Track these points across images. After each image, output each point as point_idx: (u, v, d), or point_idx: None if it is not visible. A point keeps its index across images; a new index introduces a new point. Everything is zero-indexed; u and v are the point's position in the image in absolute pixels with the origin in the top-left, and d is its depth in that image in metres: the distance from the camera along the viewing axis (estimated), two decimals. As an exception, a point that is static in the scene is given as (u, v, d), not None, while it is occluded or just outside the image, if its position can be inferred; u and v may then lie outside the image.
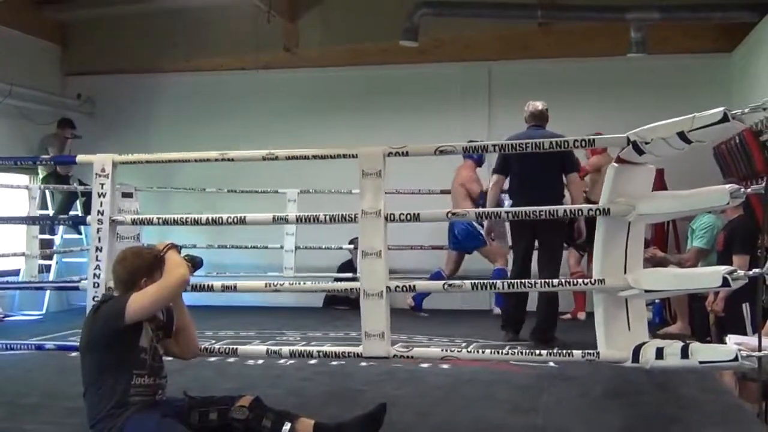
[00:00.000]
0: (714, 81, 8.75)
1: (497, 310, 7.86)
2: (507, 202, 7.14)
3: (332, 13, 9.45)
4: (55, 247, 9.19)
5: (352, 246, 9.04)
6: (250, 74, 9.96)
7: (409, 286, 3.91)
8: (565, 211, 4.15)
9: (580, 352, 3.72)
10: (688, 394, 4.67)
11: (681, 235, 8.29)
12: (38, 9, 9.75)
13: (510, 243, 7.04)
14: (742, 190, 3.46)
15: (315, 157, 4.17)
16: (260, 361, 5.58)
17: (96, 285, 4.22)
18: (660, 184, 6.23)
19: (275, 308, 8.68)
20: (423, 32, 8.53)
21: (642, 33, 8.14)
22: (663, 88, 8.87)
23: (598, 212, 3.73)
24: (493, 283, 4.11)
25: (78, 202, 9.24)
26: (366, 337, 3.89)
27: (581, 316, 7.77)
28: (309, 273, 8.84)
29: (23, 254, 8.55)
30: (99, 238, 4.33)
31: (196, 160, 4.46)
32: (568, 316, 7.74)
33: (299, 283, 4.46)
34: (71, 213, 9.18)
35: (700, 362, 3.46)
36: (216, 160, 4.31)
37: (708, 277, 3.62)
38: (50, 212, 9.15)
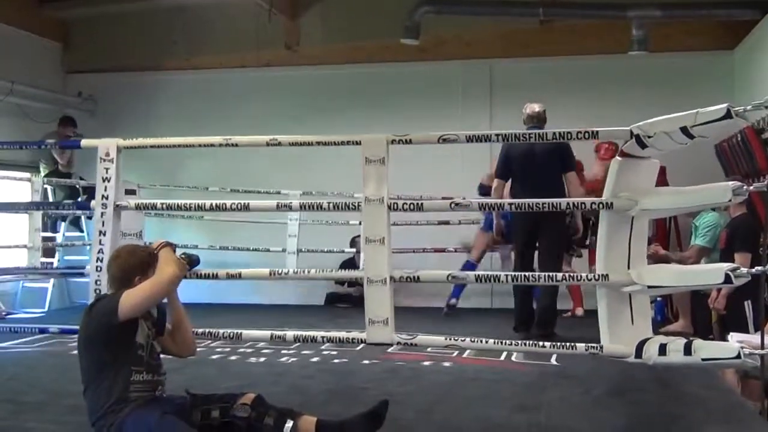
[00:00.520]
0: (716, 79, 8.76)
1: (453, 301, 8.02)
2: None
3: (333, 10, 9.45)
4: (56, 243, 9.18)
5: (354, 250, 9.06)
6: (251, 72, 9.96)
7: (414, 276, 3.89)
8: (568, 204, 4.14)
9: (583, 345, 3.72)
10: (690, 391, 4.67)
11: (683, 233, 8.29)
12: (39, 7, 9.75)
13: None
14: (745, 187, 3.46)
15: (318, 143, 4.16)
16: (262, 359, 5.59)
17: (99, 269, 4.21)
18: (662, 180, 6.23)
19: (277, 306, 8.68)
20: (424, 30, 8.53)
21: (643, 31, 8.13)
22: (664, 86, 8.86)
23: (601, 206, 3.73)
24: (496, 276, 4.09)
25: (80, 199, 9.23)
26: (370, 324, 3.88)
27: (579, 312, 7.81)
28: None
29: (25, 246, 8.54)
30: (103, 222, 4.31)
31: (200, 145, 4.45)
32: (569, 314, 7.76)
33: (303, 271, 4.43)
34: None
35: (703, 359, 3.46)
36: (220, 145, 4.30)
37: (710, 273, 3.62)
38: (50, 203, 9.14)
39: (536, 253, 6.74)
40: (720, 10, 8.10)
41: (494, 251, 8.38)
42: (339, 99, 9.78)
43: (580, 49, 9.11)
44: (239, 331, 4.27)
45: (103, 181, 4.34)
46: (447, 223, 8.65)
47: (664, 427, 4.01)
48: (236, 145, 4.34)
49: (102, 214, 4.32)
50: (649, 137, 3.53)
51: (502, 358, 5.57)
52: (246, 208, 4.24)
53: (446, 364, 5.46)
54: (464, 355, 5.58)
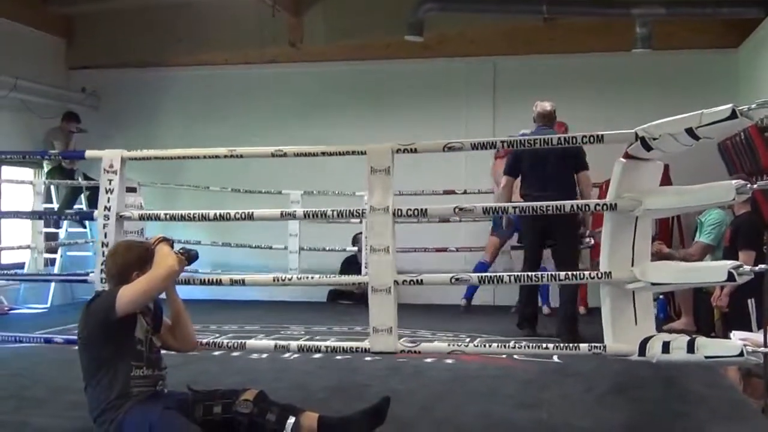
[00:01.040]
0: (720, 77, 8.74)
1: (463, 301, 8.01)
2: None
3: (337, 7, 9.43)
4: (59, 241, 9.20)
5: (356, 248, 9.06)
6: (255, 69, 9.96)
7: (417, 279, 3.90)
8: (572, 206, 4.14)
9: (586, 345, 3.73)
10: (693, 389, 4.67)
11: (686, 231, 8.29)
12: (43, 3, 9.75)
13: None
14: (748, 186, 3.46)
15: (324, 153, 4.15)
16: (265, 355, 5.59)
17: (103, 280, 4.22)
18: (665, 179, 6.23)
19: (279, 303, 8.68)
20: (428, 27, 8.51)
21: (647, 28, 8.11)
22: (668, 84, 8.85)
23: (605, 207, 3.73)
24: (500, 277, 4.09)
25: (82, 195, 9.26)
26: (373, 332, 3.90)
27: (581, 310, 7.83)
28: (313, 273, 8.83)
29: (29, 247, 8.56)
30: (105, 234, 4.34)
31: (205, 157, 4.44)
32: None
33: (306, 277, 4.44)
34: (76, 207, 9.18)
35: (706, 357, 3.47)
36: (225, 156, 4.30)
37: (714, 271, 3.62)
38: (55, 206, 9.15)
39: (543, 252, 6.76)
40: (724, 8, 8.05)
41: (514, 249, 8.36)
42: (342, 96, 9.77)
43: (583, 47, 9.09)
44: (243, 341, 4.30)
45: (107, 192, 4.37)
46: (447, 221, 8.65)
47: (666, 425, 4.01)
48: (241, 156, 4.33)
49: (104, 225, 4.35)
50: (654, 139, 3.54)
51: (504, 355, 5.57)
52: (250, 217, 4.24)
53: (448, 361, 5.45)
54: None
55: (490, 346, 4.02)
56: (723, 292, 6.17)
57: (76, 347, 3.64)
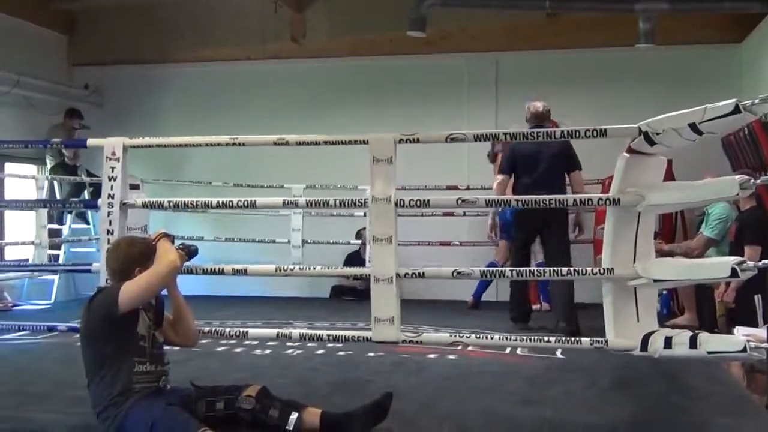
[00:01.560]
0: (723, 72, 8.73)
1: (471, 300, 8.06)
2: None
3: (339, 3, 9.43)
4: (62, 237, 9.21)
5: (360, 241, 9.07)
6: (257, 65, 9.96)
7: (419, 272, 3.90)
8: (575, 200, 4.14)
9: (588, 339, 3.72)
10: (695, 385, 4.66)
11: (689, 227, 8.27)
12: (45, -1, 9.76)
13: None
14: (752, 181, 3.45)
15: (326, 142, 4.15)
16: (267, 351, 5.59)
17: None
18: (668, 175, 6.21)
19: (282, 298, 8.69)
20: (430, 23, 8.50)
21: (650, 24, 8.09)
22: (672, 79, 8.84)
23: (608, 202, 3.72)
24: (501, 271, 4.10)
25: (86, 192, 9.26)
26: (376, 322, 3.89)
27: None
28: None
29: (32, 243, 8.57)
30: (110, 222, 4.33)
31: (207, 145, 4.44)
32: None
33: (309, 268, 4.44)
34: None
35: (709, 352, 3.46)
36: (227, 144, 4.29)
37: (717, 267, 3.62)
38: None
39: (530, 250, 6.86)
40: (727, 3, 8.03)
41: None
42: (344, 91, 9.77)
43: (586, 42, 9.08)
44: (245, 330, 4.29)
45: (110, 180, 4.35)
46: (452, 214, 8.64)
47: (669, 421, 4.01)
48: (243, 144, 4.32)
49: (109, 213, 4.34)
50: (658, 134, 3.52)
51: (507, 351, 5.57)
52: (252, 205, 4.24)
53: (451, 357, 5.46)
54: (469, 348, 5.58)
55: (491, 338, 4.00)
56: (729, 288, 6.16)
57: (79, 343, 3.65)
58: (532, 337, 4.03)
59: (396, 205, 3.89)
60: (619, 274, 3.64)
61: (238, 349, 5.61)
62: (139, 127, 9.66)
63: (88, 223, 9.39)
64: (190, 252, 3.84)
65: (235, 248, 9.31)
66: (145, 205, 5.04)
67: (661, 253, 6.50)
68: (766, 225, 6.12)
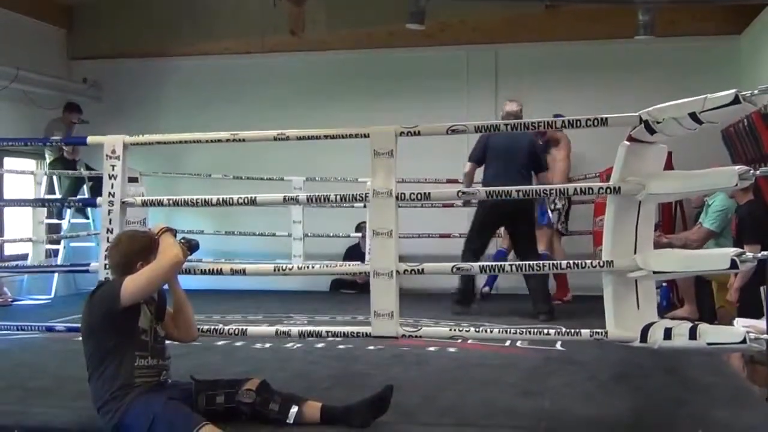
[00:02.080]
0: (723, 63, 8.70)
1: (486, 289, 8.09)
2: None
3: (338, -4, 9.40)
4: (62, 232, 9.21)
5: (359, 234, 9.07)
6: (256, 58, 9.94)
7: (419, 269, 3.90)
8: (576, 189, 4.14)
9: (588, 331, 3.72)
10: (695, 376, 4.67)
11: (689, 219, 8.27)
12: (43, -8, 9.74)
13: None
14: (751, 172, 3.45)
15: (326, 137, 4.15)
16: (267, 345, 5.60)
17: (107, 267, 4.22)
18: (668, 166, 6.20)
19: (282, 292, 8.68)
20: (430, 15, 8.46)
21: (650, 15, 8.06)
22: (671, 70, 8.82)
23: (608, 191, 3.72)
24: (501, 266, 4.10)
25: (85, 186, 9.25)
26: (375, 317, 3.89)
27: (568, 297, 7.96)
28: (316, 260, 8.84)
29: (30, 240, 8.57)
30: (110, 220, 4.32)
31: (207, 141, 4.42)
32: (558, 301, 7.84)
33: (308, 267, 4.44)
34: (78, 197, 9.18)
35: (708, 344, 3.46)
36: (227, 140, 4.28)
37: (716, 259, 3.61)
38: (57, 197, 9.15)
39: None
40: (726, -6, 8.04)
41: None
42: (344, 84, 9.75)
43: (585, 34, 9.06)
44: (245, 328, 4.29)
45: (110, 178, 4.34)
46: (451, 206, 8.64)
47: (669, 413, 4.01)
48: (243, 140, 4.31)
49: (109, 211, 4.33)
50: (658, 123, 3.53)
51: (507, 343, 5.57)
52: (253, 202, 4.23)
53: (451, 349, 5.47)
54: (469, 341, 5.58)
55: (491, 332, 4.01)
56: (733, 288, 6.13)
57: (80, 338, 3.65)
58: (531, 331, 4.04)
59: (397, 198, 3.89)
60: (619, 266, 3.64)
61: (238, 343, 5.61)
62: (138, 121, 9.66)
63: (87, 218, 9.37)
64: (191, 246, 3.84)
65: (236, 239, 9.31)
66: (144, 204, 5.04)
67: (659, 245, 6.51)
68: (764, 221, 6.09)
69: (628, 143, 3.69)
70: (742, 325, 4.20)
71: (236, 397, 3.59)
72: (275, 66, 9.96)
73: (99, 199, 4.44)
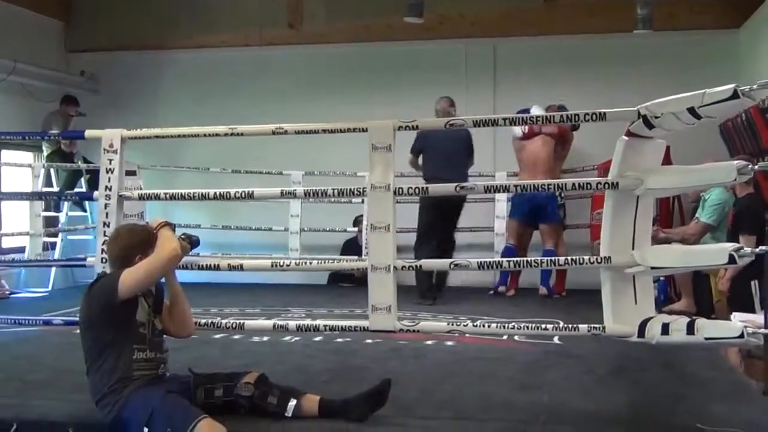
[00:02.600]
0: (721, 57, 8.70)
1: (543, 290, 7.95)
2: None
3: (337, -11, 9.38)
4: (60, 225, 9.20)
5: (356, 228, 9.07)
6: (255, 51, 9.91)
7: (416, 265, 3.90)
8: (574, 184, 4.14)
9: (586, 326, 3.73)
10: (693, 371, 4.68)
11: (686, 213, 8.28)
12: (41, -15, 9.70)
13: None
14: (750, 166, 3.45)
15: (325, 131, 4.14)
16: (266, 338, 5.60)
17: (104, 261, 4.21)
18: (666, 161, 6.21)
19: (280, 285, 8.69)
20: (428, 9, 8.47)
21: (648, 9, 8.07)
22: (670, 64, 8.81)
23: (606, 186, 3.72)
24: (499, 262, 4.11)
25: (83, 179, 9.24)
26: (373, 311, 3.90)
27: (543, 291, 8.01)
28: (313, 253, 8.85)
29: (27, 233, 8.57)
30: (107, 214, 4.32)
31: (205, 135, 4.41)
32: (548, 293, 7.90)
33: (305, 263, 4.45)
34: (76, 191, 9.17)
35: (706, 338, 3.47)
36: (225, 135, 4.27)
37: (714, 254, 3.61)
38: (55, 190, 9.14)
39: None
40: (725, -12, 8.03)
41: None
42: (342, 78, 9.74)
43: (584, 28, 9.05)
44: (242, 321, 4.29)
45: (107, 172, 4.34)
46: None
47: (666, 407, 4.02)
48: (241, 134, 4.29)
49: (106, 205, 4.33)
50: (657, 117, 3.53)
51: (505, 337, 5.58)
52: (250, 196, 4.23)
53: (449, 343, 5.47)
54: (467, 335, 5.59)
55: (489, 326, 4.01)
56: (725, 278, 6.15)
57: (78, 330, 3.65)
58: (529, 325, 4.04)
59: (395, 193, 3.88)
60: (617, 261, 3.64)
61: (237, 337, 5.61)
62: (136, 114, 9.66)
63: (85, 211, 9.36)
64: (191, 242, 3.83)
65: (233, 234, 9.31)
66: (141, 198, 5.04)
67: (657, 240, 6.52)
68: (762, 214, 6.10)
69: (626, 138, 3.69)
70: (739, 320, 4.21)
71: (235, 391, 3.59)
72: (274, 59, 9.94)
73: (96, 193, 4.43)
